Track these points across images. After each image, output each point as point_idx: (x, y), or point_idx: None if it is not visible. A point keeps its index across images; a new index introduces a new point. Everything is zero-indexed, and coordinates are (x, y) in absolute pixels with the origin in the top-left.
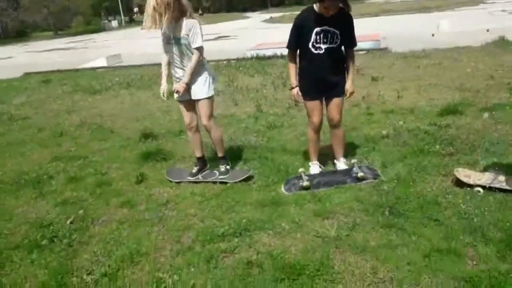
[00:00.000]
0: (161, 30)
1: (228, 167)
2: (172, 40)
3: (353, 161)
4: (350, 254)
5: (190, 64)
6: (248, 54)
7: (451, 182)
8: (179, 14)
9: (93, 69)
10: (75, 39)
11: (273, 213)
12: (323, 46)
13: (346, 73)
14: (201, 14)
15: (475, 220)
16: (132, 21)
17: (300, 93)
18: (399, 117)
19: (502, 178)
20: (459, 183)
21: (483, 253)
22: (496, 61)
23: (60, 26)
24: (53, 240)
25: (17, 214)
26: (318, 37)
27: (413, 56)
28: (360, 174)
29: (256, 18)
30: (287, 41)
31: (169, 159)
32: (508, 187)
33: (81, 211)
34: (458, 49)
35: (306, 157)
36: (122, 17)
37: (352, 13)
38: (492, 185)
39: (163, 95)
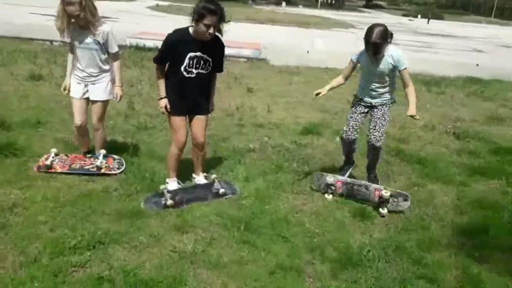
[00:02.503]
0: (68, 34)
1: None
2: (80, 45)
3: (213, 176)
4: (203, 270)
5: (116, 68)
6: (128, 42)
7: (302, 200)
8: (84, 21)
9: None
10: None
11: (132, 225)
12: (195, 71)
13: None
14: None
15: (316, 239)
16: None
17: (167, 105)
18: (266, 131)
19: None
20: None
21: (320, 271)
22: (354, 85)
23: None
24: None
25: None
26: (191, 62)
27: (288, 71)
28: (222, 191)
29: (141, 3)
30: (156, 55)
31: (21, 156)
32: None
33: None
34: (327, 69)
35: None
36: None
37: (239, 16)
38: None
39: (64, 90)
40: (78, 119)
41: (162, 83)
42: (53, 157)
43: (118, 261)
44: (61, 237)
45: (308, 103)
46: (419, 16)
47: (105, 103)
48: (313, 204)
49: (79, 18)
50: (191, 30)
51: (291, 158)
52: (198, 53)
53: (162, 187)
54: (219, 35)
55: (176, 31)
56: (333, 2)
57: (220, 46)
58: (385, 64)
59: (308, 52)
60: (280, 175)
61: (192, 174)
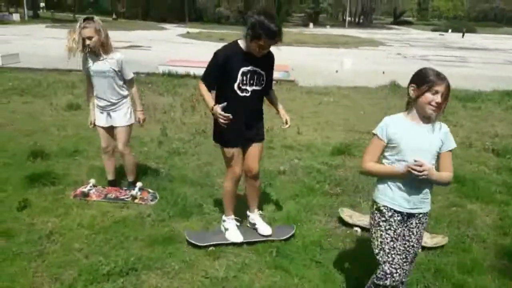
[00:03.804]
0: (83, 64)
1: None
2: (96, 73)
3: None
4: None
5: (134, 94)
6: (160, 70)
7: (335, 223)
8: (100, 49)
9: None
10: None
11: (165, 251)
12: (249, 88)
13: (276, 109)
14: (115, 19)
15: (352, 264)
16: (37, 17)
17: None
18: (296, 153)
19: None
20: (342, 222)
21: None
22: (386, 104)
23: None
24: None
25: None
26: (244, 78)
27: (316, 92)
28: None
29: (172, 31)
30: (203, 72)
31: (58, 184)
32: None
33: None
34: (356, 88)
35: (207, 190)
36: (26, 10)
37: None
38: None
39: (90, 124)
40: (105, 143)
41: (207, 94)
42: (90, 187)
43: None
44: (95, 264)
45: (338, 123)
46: (449, 30)
47: (127, 128)
48: (347, 227)
49: (94, 42)
50: (240, 43)
51: (323, 179)
52: (250, 67)
53: (227, 235)
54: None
55: (225, 46)
56: (361, 20)
57: (271, 58)
58: (436, 134)
59: (337, 71)
60: (311, 197)
61: (247, 212)
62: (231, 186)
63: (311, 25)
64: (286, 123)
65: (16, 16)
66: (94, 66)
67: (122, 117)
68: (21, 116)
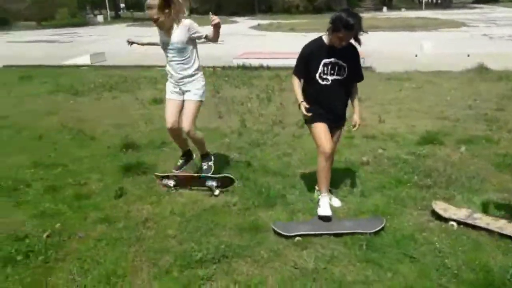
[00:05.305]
0: (159, 37)
1: (210, 163)
2: (168, 47)
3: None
4: None
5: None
6: (235, 63)
7: (428, 216)
8: (166, 25)
9: (76, 66)
10: (59, 32)
11: (252, 239)
12: (330, 78)
13: (351, 105)
14: (188, 15)
15: (449, 259)
16: (118, 17)
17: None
18: (379, 143)
19: (477, 215)
20: (436, 216)
21: None
22: (474, 89)
23: (43, 16)
24: (28, 255)
25: None
26: (325, 69)
27: (396, 78)
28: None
29: (243, 24)
30: (293, 65)
31: (150, 173)
32: (482, 225)
33: (58, 225)
34: (440, 73)
35: (289, 181)
36: (108, 12)
37: None
38: (466, 221)
39: (128, 42)
40: (171, 120)
41: (298, 90)
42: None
43: (242, 275)
44: (188, 250)
45: (423, 110)
46: None
47: (196, 104)
48: (442, 221)
49: (161, 21)
50: (324, 38)
51: (410, 170)
52: (332, 59)
53: (318, 211)
54: (356, 44)
55: (310, 42)
56: (439, 1)
57: (354, 51)
58: None
59: (416, 55)
60: (400, 189)
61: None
62: (323, 162)
63: (384, 8)
64: (354, 126)
65: (100, 18)
66: (164, 38)
67: (194, 91)
68: (112, 110)
